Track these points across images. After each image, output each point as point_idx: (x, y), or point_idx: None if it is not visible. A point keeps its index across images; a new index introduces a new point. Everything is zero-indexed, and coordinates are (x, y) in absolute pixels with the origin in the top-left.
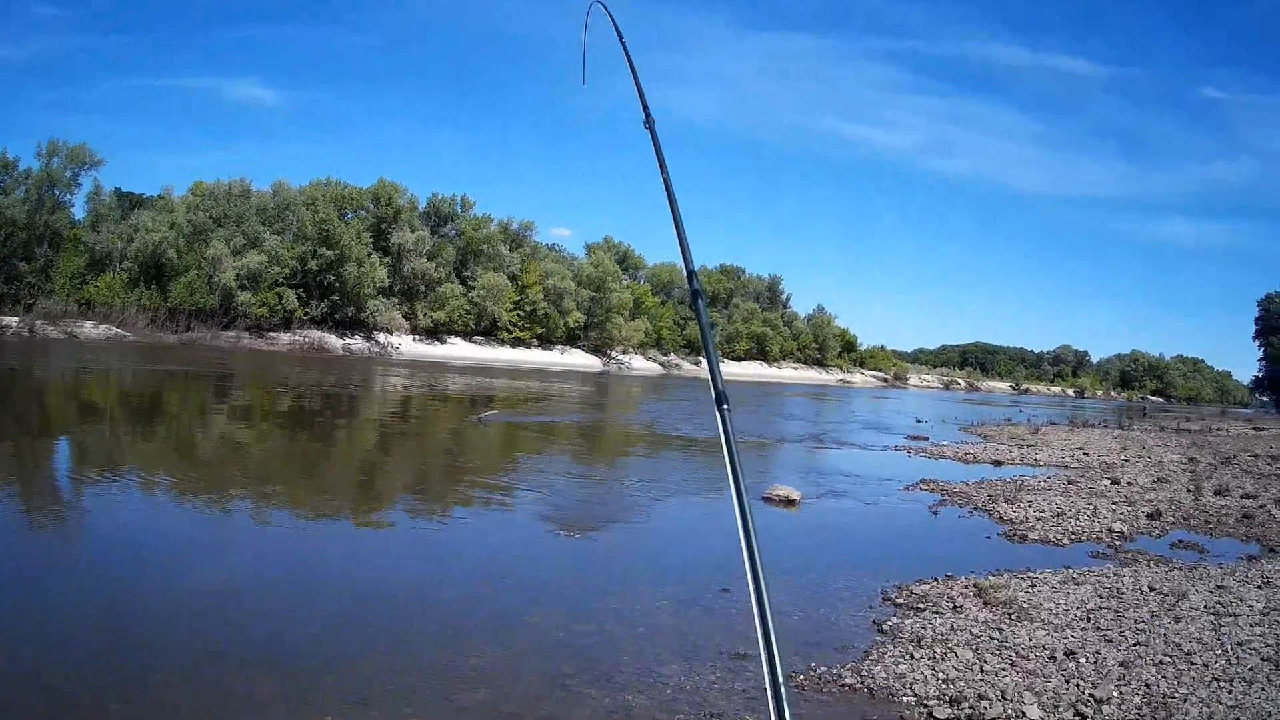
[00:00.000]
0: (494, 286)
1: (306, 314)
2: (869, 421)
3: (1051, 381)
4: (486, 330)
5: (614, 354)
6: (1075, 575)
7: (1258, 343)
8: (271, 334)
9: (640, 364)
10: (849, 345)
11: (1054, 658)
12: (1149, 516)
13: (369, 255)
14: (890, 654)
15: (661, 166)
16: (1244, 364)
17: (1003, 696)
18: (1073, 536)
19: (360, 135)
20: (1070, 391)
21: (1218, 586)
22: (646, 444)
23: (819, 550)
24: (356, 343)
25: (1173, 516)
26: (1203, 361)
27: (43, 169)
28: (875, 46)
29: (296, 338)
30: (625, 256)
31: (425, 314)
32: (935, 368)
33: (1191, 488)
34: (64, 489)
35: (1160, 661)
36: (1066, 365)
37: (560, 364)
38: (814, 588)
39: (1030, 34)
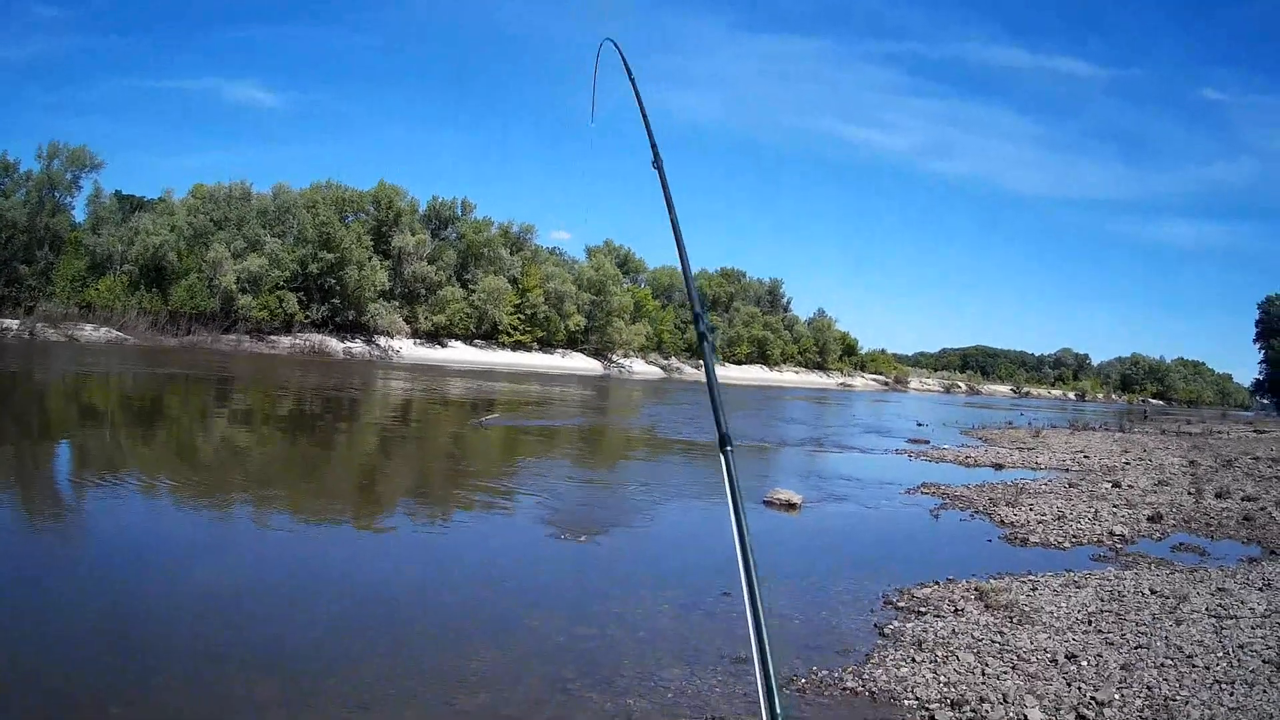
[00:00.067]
0: (495, 290)
1: (307, 317)
2: (870, 425)
3: (1052, 384)
4: (487, 334)
5: (615, 358)
6: (1077, 578)
7: (1258, 345)
8: (272, 337)
9: (641, 367)
10: (850, 349)
11: (1055, 661)
12: (1150, 519)
13: (370, 258)
14: (892, 657)
15: (669, 208)
16: (1245, 366)
17: (1004, 699)
18: (1074, 539)
19: (360, 137)
20: (1071, 394)
21: (1219, 589)
22: (647, 448)
23: (820, 554)
24: (357, 346)
25: (1174, 519)
26: (1203, 364)
27: (43, 171)
28: (874, 49)
29: (297, 341)
30: (626, 260)
31: (426, 317)
32: (936, 371)
33: (1192, 490)
34: (65, 492)
35: (1162, 664)
36: (1067, 368)
37: (561, 367)
38: (815, 591)
39: (1029, 35)
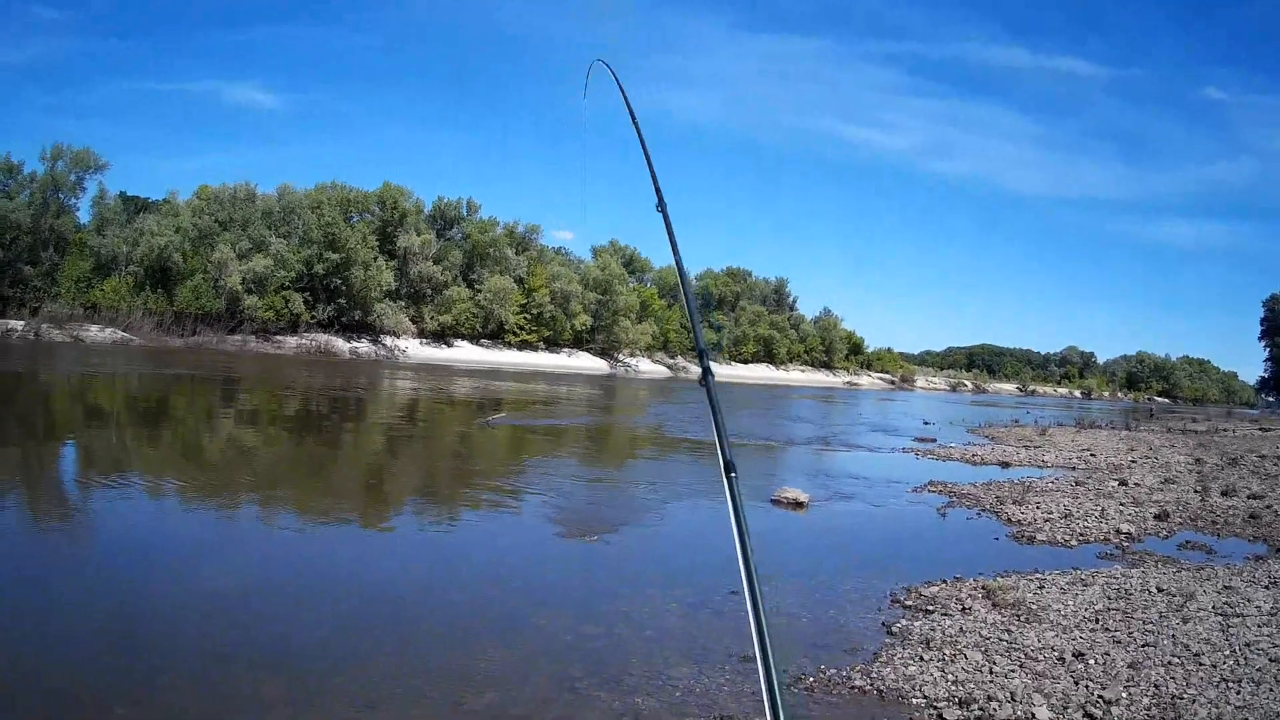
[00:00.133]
0: (500, 289)
1: (313, 317)
2: (876, 424)
3: (1058, 383)
4: (493, 333)
5: (621, 357)
6: (1083, 576)
7: (1263, 343)
8: (278, 337)
9: (647, 367)
10: (856, 348)
11: (1063, 659)
12: (1156, 517)
13: (375, 258)
14: (899, 656)
15: (674, 249)
16: (1249, 364)
17: (1012, 698)
18: (1081, 538)
19: (360, 138)
20: (1077, 393)
21: (1225, 587)
22: (654, 446)
23: (828, 552)
24: (363, 346)
25: (1180, 517)
26: (1208, 362)
27: (47, 173)
28: (874, 49)
29: (303, 341)
30: (631, 259)
31: (432, 317)
32: (942, 370)
33: (1198, 488)
34: (71, 492)
35: (1168, 662)
36: (1073, 366)
37: (567, 367)
38: (823, 590)
39: (1029, 35)
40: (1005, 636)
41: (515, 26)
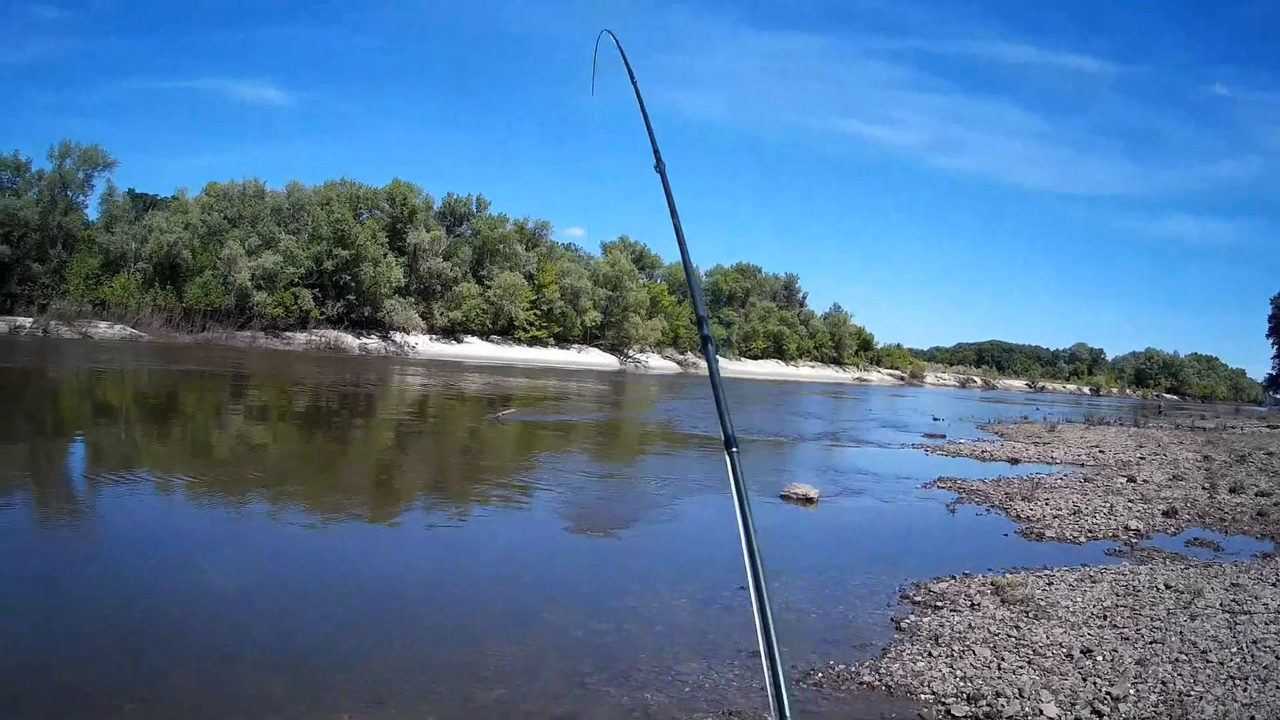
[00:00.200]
0: (510, 286)
1: (322, 314)
2: (886, 419)
3: (1067, 379)
4: (503, 329)
5: (631, 353)
6: (1092, 573)
7: (1271, 340)
8: (287, 334)
9: (657, 362)
10: (865, 344)
11: (1071, 655)
12: (1165, 514)
13: (385, 255)
14: (908, 652)
15: (672, 212)
16: (1258, 362)
17: (1020, 694)
18: (1089, 534)
19: (368, 136)
20: (1086, 389)
21: (1233, 584)
22: (664, 442)
23: (837, 548)
24: (373, 342)
25: (1188, 514)
26: (1217, 359)
27: (55, 170)
28: (879, 45)
29: (312, 337)
30: (641, 256)
31: (442, 313)
32: (951, 366)
33: (1207, 485)
34: (79, 488)
35: (1176, 659)
36: (1082, 363)
37: (577, 363)
38: (832, 585)
39: (1035, 32)
40: (1014, 633)
41: (519, 26)
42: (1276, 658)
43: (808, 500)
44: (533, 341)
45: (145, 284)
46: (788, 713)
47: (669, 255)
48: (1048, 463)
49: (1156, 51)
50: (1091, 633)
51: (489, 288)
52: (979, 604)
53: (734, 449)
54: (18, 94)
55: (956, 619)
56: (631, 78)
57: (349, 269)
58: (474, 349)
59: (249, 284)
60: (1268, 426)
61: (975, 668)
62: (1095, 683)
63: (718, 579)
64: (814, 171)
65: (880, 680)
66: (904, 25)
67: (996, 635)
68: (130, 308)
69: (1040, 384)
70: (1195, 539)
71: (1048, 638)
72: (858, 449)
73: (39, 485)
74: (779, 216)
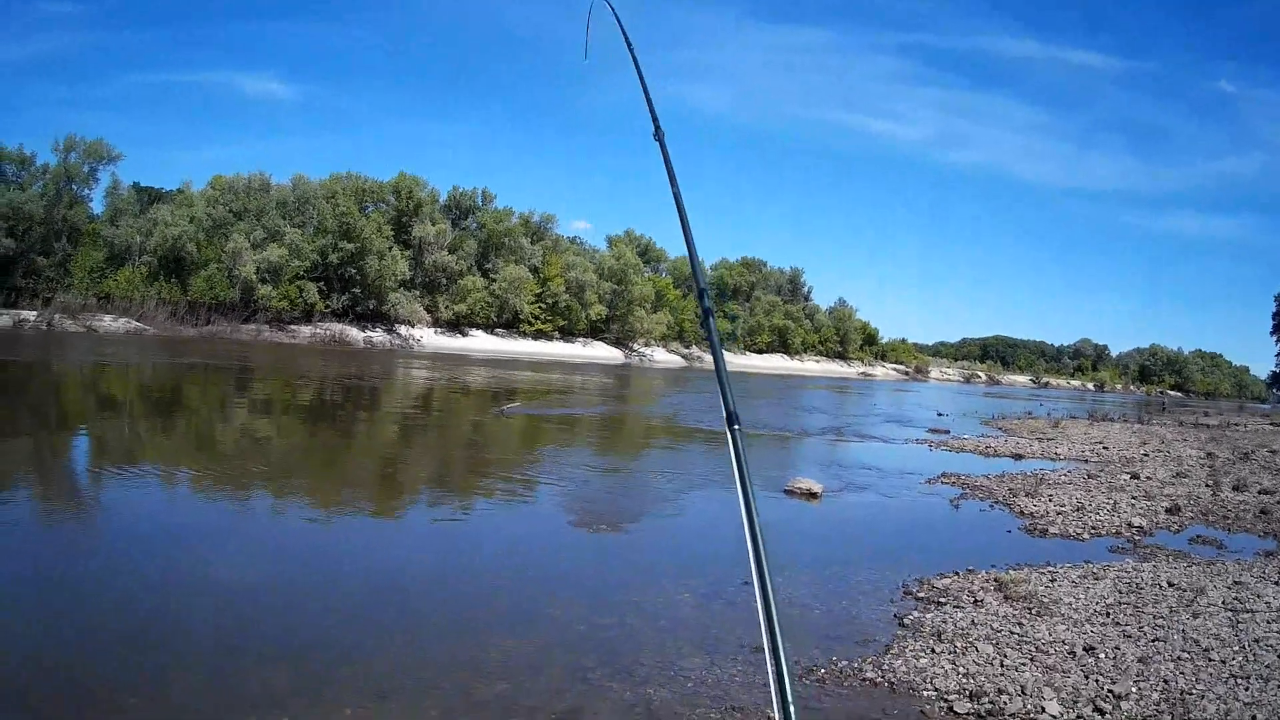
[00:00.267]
0: (516, 279)
1: (328, 307)
2: (890, 414)
3: (1071, 375)
4: (508, 323)
5: (636, 346)
6: (1095, 570)
7: (1275, 338)
8: (292, 327)
9: (662, 356)
10: (870, 338)
11: (1073, 653)
12: (1168, 511)
13: (390, 248)
14: (911, 648)
15: (672, 180)
16: (1261, 359)
17: (1022, 691)
18: (1093, 531)
19: (373, 129)
20: (1090, 385)
21: (1235, 582)
22: (669, 436)
23: (841, 543)
24: (378, 335)
25: (1191, 512)
26: (1220, 356)
27: (60, 164)
28: (884, 39)
29: (318, 330)
30: (647, 249)
31: (447, 306)
32: (956, 361)
33: (1210, 483)
34: (83, 482)
35: (1178, 657)
36: (1086, 359)
37: (582, 356)
38: (836, 581)
39: (1040, 27)
40: (1017, 629)
41: (524, 19)
42: (1278, 656)
43: (812, 495)
44: (537, 335)
45: (150, 277)
46: (790, 709)
47: (674, 249)
48: (1051, 459)
49: (1161, 47)
50: (1094, 630)
51: (494, 281)
52: (982, 600)
53: (736, 426)
54: (27, 88)
55: (959, 615)
56: (628, 45)
57: (354, 262)
58: (479, 342)
59: (254, 277)
60: (1271, 424)
61: (978, 664)
62: (1098, 680)
63: (721, 574)
64: (819, 165)
65: (883, 676)
66: (909, 19)
67: (999, 632)
68: (135, 301)
69: (1044, 380)
70: (1198, 536)
71: (1050, 635)
72: (862, 444)
73: (43, 479)
74: (784, 210)
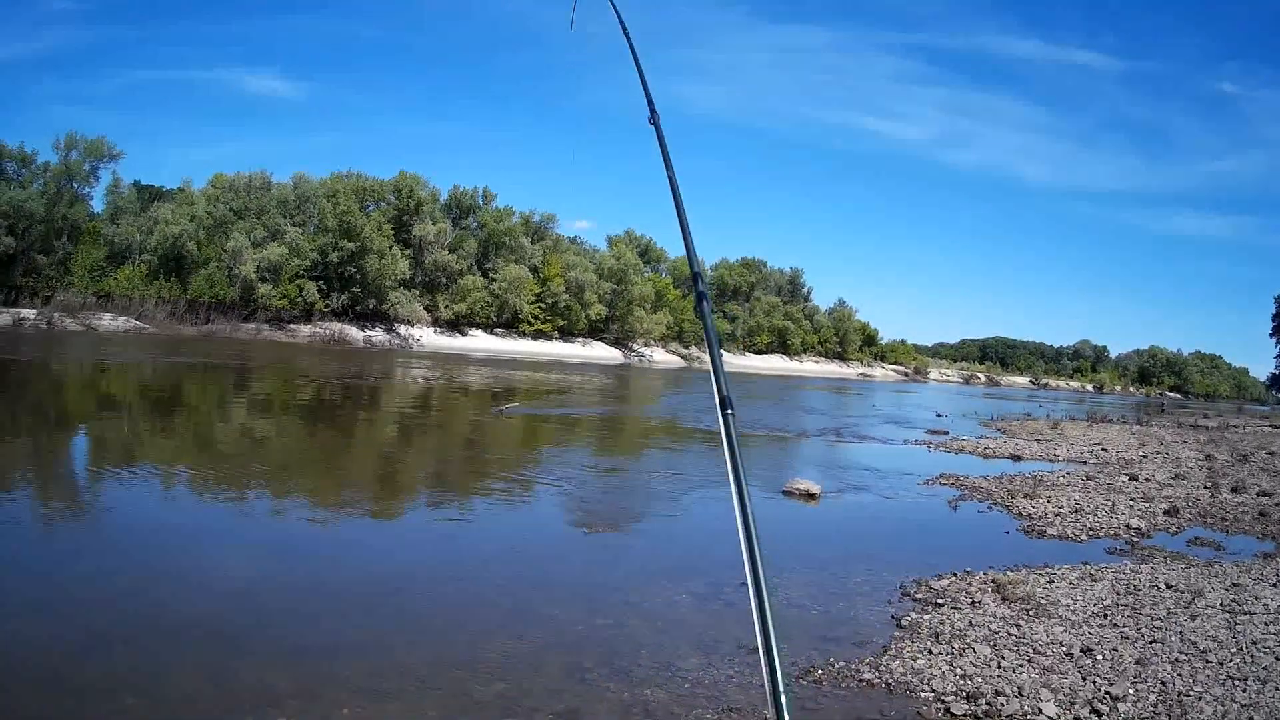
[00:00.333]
0: (515, 279)
1: (327, 306)
2: (889, 415)
3: (1070, 376)
4: (508, 322)
5: (635, 346)
6: (1093, 571)
7: (1274, 340)
8: (292, 326)
9: (661, 356)
10: (870, 339)
11: (1071, 654)
12: (1166, 513)
13: (390, 247)
14: (909, 649)
15: (667, 164)
16: (1261, 361)
17: (1019, 693)
18: (1091, 532)
19: (374, 127)
20: (1089, 386)
21: (1233, 584)
22: (668, 437)
23: (839, 544)
24: (377, 334)
25: (1190, 513)
26: (1220, 358)
27: (61, 162)
28: (888, 39)
29: (317, 329)
30: (647, 249)
31: (446, 306)
32: (955, 362)
33: (1208, 485)
34: (83, 481)
35: (1176, 659)
36: (1085, 360)
37: (581, 356)
38: (834, 582)
39: (1042, 27)
40: (1014, 631)
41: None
42: (1276, 658)
43: (810, 496)
44: (537, 335)
45: (150, 276)
46: (786, 710)
47: (674, 249)
48: (1050, 460)
49: (1163, 47)
50: (1092, 631)
51: (494, 281)
52: (980, 601)
53: (729, 411)
54: (28, 85)
55: (957, 616)
56: (623, 26)
57: (354, 261)
58: (478, 342)
59: (254, 276)
60: (1270, 426)
61: (975, 666)
62: (1095, 682)
63: (720, 575)
64: (820, 165)
65: (880, 678)
66: (912, 19)
67: (997, 633)
68: (135, 300)
69: (1044, 381)
70: (1196, 538)
71: (1048, 636)
72: (861, 445)
73: (41, 478)
74: (785, 210)
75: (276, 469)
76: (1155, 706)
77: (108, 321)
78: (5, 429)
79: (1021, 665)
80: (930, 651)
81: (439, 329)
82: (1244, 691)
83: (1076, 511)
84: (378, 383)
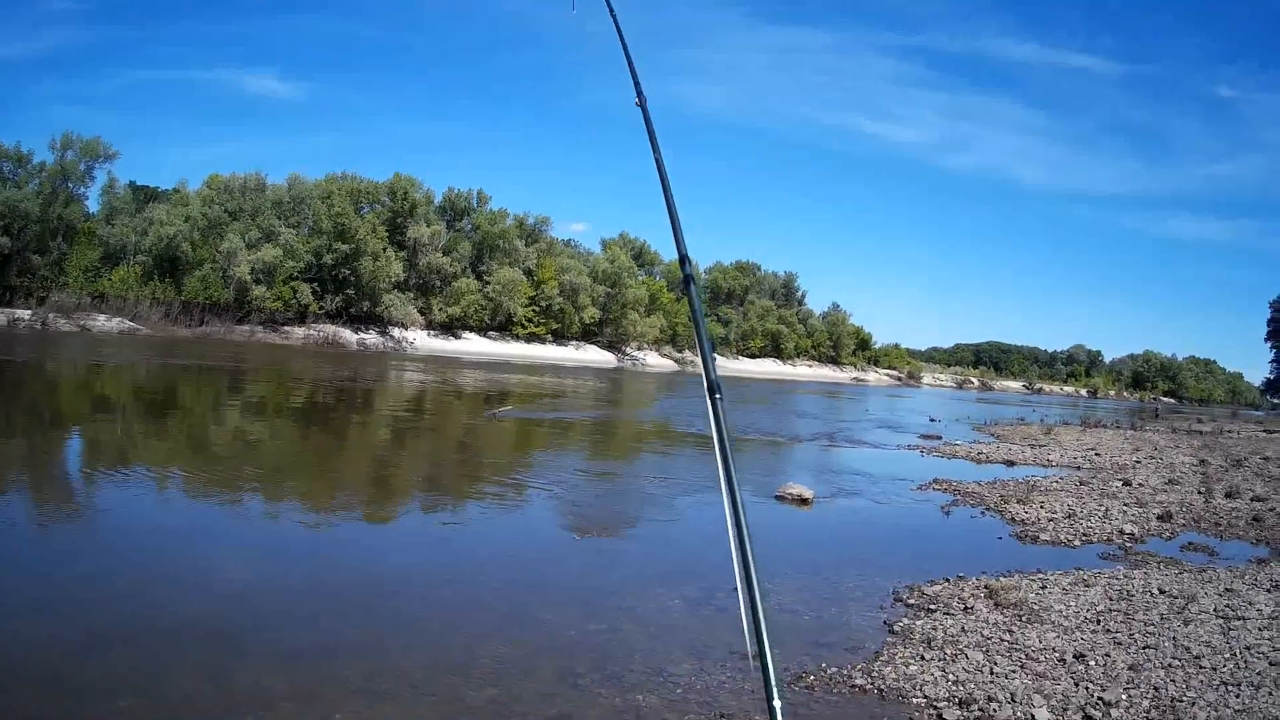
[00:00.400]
0: (510, 282)
1: (321, 308)
2: (882, 420)
3: (1064, 381)
4: (502, 325)
5: (629, 350)
6: (1086, 577)
7: (1269, 344)
8: (286, 328)
9: (655, 360)
10: (863, 343)
11: (1064, 660)
12: (1160, 518)
13: (384, 249)
14: (901, 655)
15: (654, 146)
16: (1255, 366)
17: (1012, 699)
18: (1084, 538)
19: (370, 128)
20: (1083, 391)
21: (1227, 589)
22: (661, 441)
23: (831, 549)
24: (371, 337)
25: (1183, 518)
26: (1214, 362)
27: (56, 162)
28: (887, 41)
29: (311, 332)
30: (641, 252)
31: (440, 309)
32: (949, 366)
33: (1202, 490)
34: (77, 483)
35: (1169, 665)
36: (1079, 365)
37: (575, 360)
38: (826, 587)
39: (1041, 30)
40: (1007, 636)
41: (524, 21)
42: (1270, 664)
43: (803, 501)
44: (531, 338)
45: (145, 277)
46: (778, 715)
47: (668, 252)
48: (1043, 465)
49: (1162, 51)
50: (1084, 637)
51: (488, 283)
52: (972, 607)
53: (717, 395)
54: (24, 85)
55: (949, 622)
56: (612, 14)
57: (348, 263)
58: (472, 345)
59: (248, 278)
60: (1264, 431)
61: (968, 671)
62: (1087, 688)
63: (713, 580)
64: (818, 166)
65: (872, 683)
66: (911, 22)
67: (989, 639)
68: (129, 301)
69: (1037, 385)
70: (1190, 544)
71: (1040, 642)
72: (854, 449)
73: (38, 479)
74: (782, 211)
75: (271, 471)
76: (1148, 712)
77: (102, 322)
78: (1, 431)
79: (1014, 671)
80: (923, 657)
81: (433, 332)
82: (1238, 697)
83: (1069, 517)
84: (371, 385)
